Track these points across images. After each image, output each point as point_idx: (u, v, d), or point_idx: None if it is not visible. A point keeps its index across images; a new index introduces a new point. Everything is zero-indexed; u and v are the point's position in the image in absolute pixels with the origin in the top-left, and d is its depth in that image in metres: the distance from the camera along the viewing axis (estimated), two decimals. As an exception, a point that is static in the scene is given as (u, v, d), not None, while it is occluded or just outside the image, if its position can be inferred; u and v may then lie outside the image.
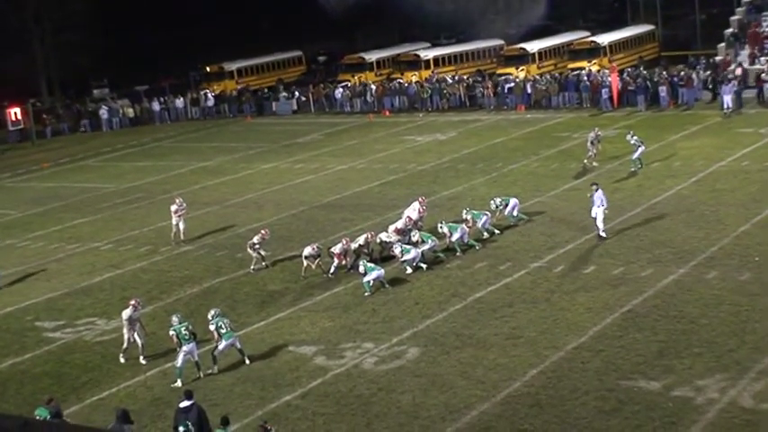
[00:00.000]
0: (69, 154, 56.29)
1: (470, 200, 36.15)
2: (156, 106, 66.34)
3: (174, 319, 22.92)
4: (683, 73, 53.81)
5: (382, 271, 27.43)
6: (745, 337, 21.81)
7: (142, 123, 65.71)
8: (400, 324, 24.69)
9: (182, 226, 33.50)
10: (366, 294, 26.86)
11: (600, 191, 30.08)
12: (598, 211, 29.88)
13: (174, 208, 33.65)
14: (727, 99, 48.41)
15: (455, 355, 22.48)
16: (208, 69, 73.30)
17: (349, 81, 66.29)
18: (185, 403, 18.48)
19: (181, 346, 22.48)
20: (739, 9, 62.53)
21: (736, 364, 20.50)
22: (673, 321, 23.10)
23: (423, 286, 27.30)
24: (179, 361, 22.44)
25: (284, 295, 27.58)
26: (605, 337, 22.57)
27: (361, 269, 27.34)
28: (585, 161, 39.42)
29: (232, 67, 72.61)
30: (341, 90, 63.48)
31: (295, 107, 64.19)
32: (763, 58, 54.86)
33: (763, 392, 19.24)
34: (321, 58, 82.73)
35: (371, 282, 27.05)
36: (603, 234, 29.87)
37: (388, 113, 59.54)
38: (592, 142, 39.38)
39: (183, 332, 22.51)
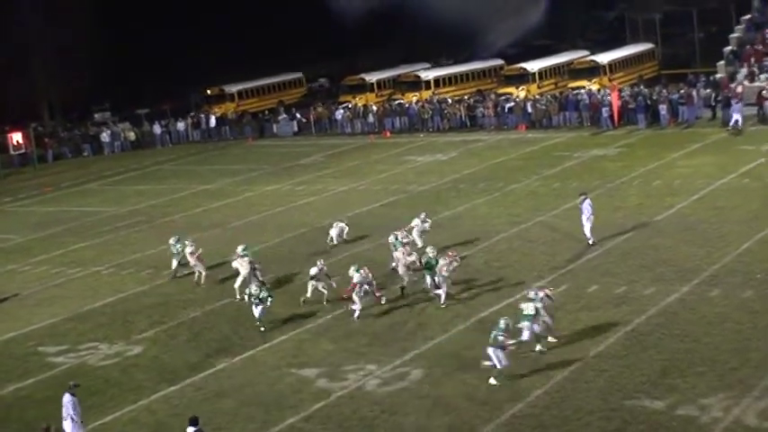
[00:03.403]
0: (71, 178, 56.34)
1: (472, 220, 36.25)
2: (157, 129, 66.47)
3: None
4: (682, 91, 53.91)
5: (266, 305, 26.81)
6: (748, 355, 21.77)
7: (143, 147, 65.81)
8: (403, 346, 24.64)
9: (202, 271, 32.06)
10: (262, 330, 26.64)
11: (587, 201, 31.18)
12: (583, 220, 31.19)
13: (189, 250, 31.85)
14: (737, 116, 48.40)
15: (458, 377, 22.44)
16: (209, 92, 73.46)
17: (350, 102, 66.44)
18: (190, 429, 18.43)
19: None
20: (738, 27, 62.70)
21: (739, 383, 20.44)
22: (676, 340, 23.07)
23: (425, 307, 27.24)
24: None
25: (286, 318, 27.50)
26: (609, 357, 22.52)
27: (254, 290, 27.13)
28: None
29: (233, 89, 72.77)
30: (342, 111, 63.65)
31: (296, 129, 64.31)
32: (762, 76, 54.95)
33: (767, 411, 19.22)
34: (321, 80, 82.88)
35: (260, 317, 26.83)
36: (591, 241, 31.08)
37: (388, 134, 59.62)
38: None
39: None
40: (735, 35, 61.42)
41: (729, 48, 60.03)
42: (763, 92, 51.51)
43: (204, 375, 24.08)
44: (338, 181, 46.68)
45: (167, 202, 46.27)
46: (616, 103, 53.80)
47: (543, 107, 56.82)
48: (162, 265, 34.02)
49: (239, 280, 29.66)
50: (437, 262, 27.57)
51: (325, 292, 28.08)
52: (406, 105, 62.98)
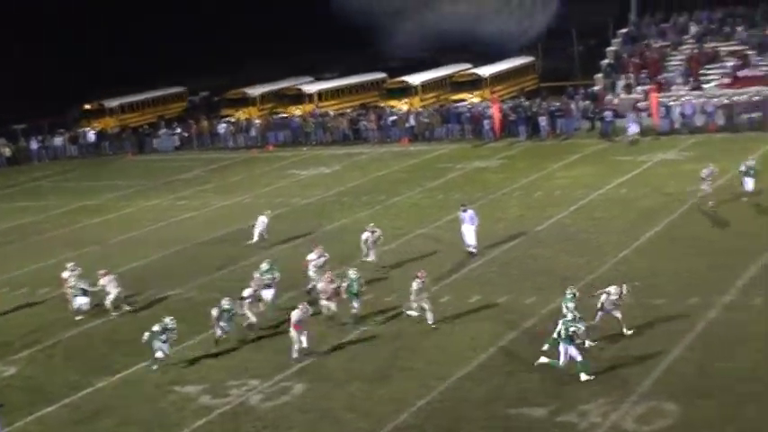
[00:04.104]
0: (-57, 196, 54.59)
1: (355, 233, 36.08)
2: (33, 145, 64.82)
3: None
4: (558, 103, 54.91)
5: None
6: (612, 362, 22.13)
7: (20, 163, 64.06)
8: (286, 360, 24.40)
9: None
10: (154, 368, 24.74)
11: (469, 211, 31.85)
12: (469, 230, 31.63)
13: (65, 275, 30.44)
14: (633, 126, 49.17)
15: (343, 389, 22.32)
16: (87, 107, 71.97)
17: (232, 116, 65.87)
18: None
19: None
20: (615, 40, 64.25)
21: (617, 388, 20.77)
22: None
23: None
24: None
25: (167, 334, 26.95)
26: (491, 366, 22.67)
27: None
28: (710, 204, 34.80)
29: (112, 104, 71.50)
30: (224, 125, 63.05)
31: (177, 143, 63.48)
32: (639, 88, 56.28)
33: (645, 415, 19.53)
34: (202, 94, 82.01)
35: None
36: (474, 251, 31.57)
37: (271, 148, 59.30)
38: (703, 178, 34.90)
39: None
40: (612, 48, 62.88)
41: (607, 61, 61.41)
42: (639, 103, 52.83)
43: (82, 395, 23.48)
44: (221, 196, 46.19)
45: (45, 218, 45.10)
46: (497, 116, 54.53)
47: (426, 120, 57.20)
48: (37, 284, 33.16)
49: (110, 297, 29.09)
50: (359, 285, 26.85)
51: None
52: (289, 119, 62.77)
